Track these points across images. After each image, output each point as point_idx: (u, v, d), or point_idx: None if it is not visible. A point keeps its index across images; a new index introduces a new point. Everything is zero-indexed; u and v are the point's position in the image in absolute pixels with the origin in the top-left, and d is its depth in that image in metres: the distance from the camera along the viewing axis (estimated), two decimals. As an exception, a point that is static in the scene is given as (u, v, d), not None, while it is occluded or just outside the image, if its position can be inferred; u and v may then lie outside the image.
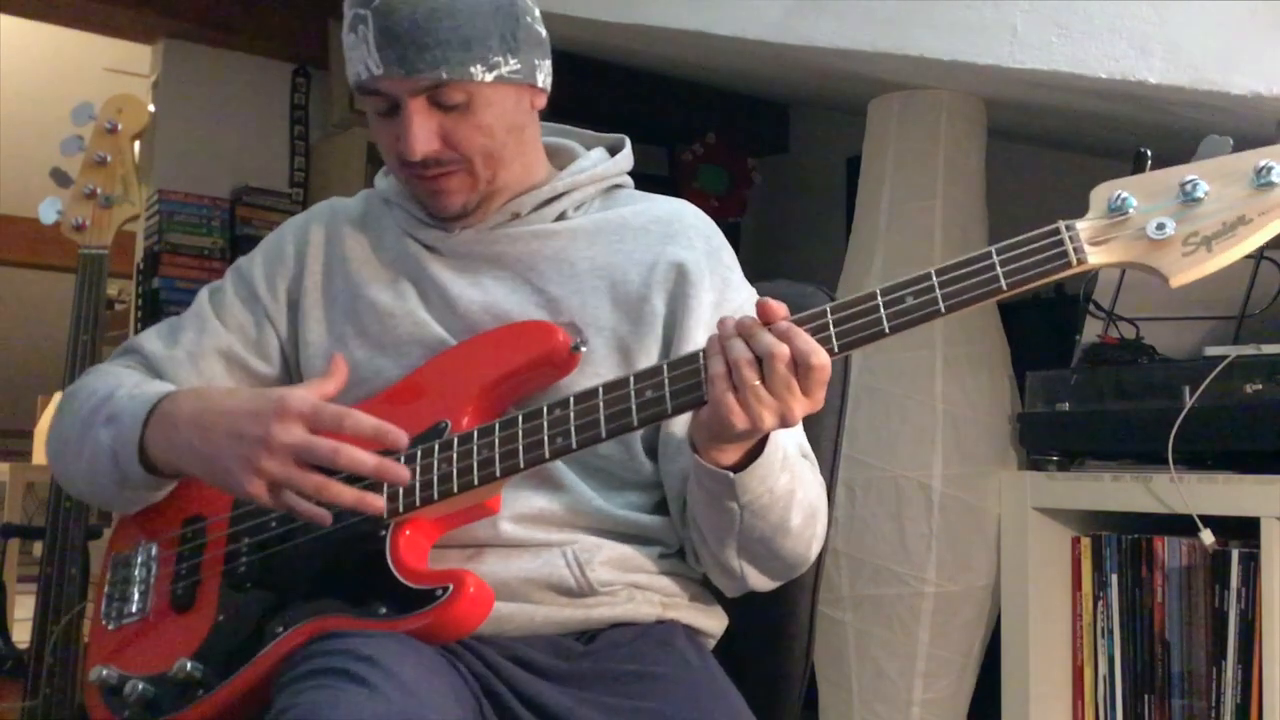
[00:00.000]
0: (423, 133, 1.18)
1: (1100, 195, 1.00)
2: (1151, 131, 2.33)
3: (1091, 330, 2.18)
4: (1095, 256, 0.99)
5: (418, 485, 1.11)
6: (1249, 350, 1.91)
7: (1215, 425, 1.91)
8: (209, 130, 3.31)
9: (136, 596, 1.23)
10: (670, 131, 3.72)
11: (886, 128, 2.44)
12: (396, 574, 1.10)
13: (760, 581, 1.22)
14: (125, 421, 1.19)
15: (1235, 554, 1.90)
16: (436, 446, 1.12)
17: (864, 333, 1.02)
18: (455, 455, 1.11)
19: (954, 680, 2.31)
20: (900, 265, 2.37)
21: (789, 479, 1.14)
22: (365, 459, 1.08)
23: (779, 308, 1.04)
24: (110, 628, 1.23)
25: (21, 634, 2.05)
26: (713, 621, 1.29)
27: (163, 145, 3.24)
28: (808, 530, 1.19)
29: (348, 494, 1.08)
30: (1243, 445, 1.91)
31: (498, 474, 1.10)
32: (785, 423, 1.03)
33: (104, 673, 1.18)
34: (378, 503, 1.09)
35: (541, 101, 1.27)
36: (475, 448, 1.11)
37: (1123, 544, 2.07)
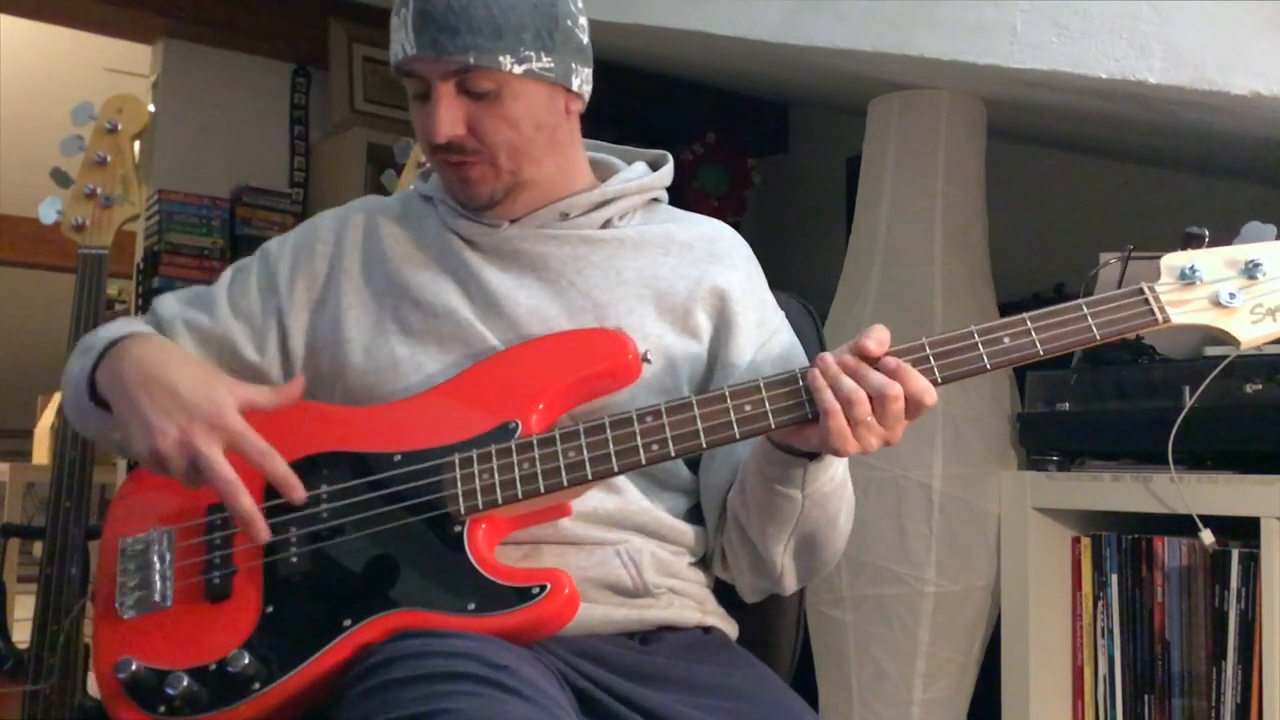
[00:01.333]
0: (448, 117, 1.20)
1: (1172, 264, 1.14)
2: (1151, 131, 2.33)
3: (1091, 330, 2.17)
4: (1177, 317, 1.13)
5: (498, 483, 1.12)
6: (1249, 350, 1.91)
7: (1215, 425, 1.91)
8: (209, 130, 3.30)
9: (158, 584, 1.17)
10: (670, 131, 3.71)
11: (886, 128, 2.44)
12: (481, 570, 1.10)
13: (791, 583, 1.27)
14: (92, 353, 1.25)
15: (1235, 554, 1.90)
16: (514, 447, 1.13)
17: (966, 367, 1.11)
18: (538, 457, 1.12)
19: (954, 680, 2.31)
20: (900, 265, 2.37)
21: (844, 467, 1.21)
22: (243, 507, 1.12)
23: (880, 343, 1.09)
24: (125, 617, 1.17)
25: (21, 634, 2.05)
26: (733, 629, 1.32)
27: (163, 145, 3.24)
28: (847, 527, 1.26)
29: (245, 505, 1.12)
30: (1243, 445, 1.91)
31: (589, 477, 1.12)
32: (887, 444, 1.10)
33: (133, 667, 1.11)
34: (262, 534, 1.13)
35: (577, 107, 1.29)
36: (560, 451, 1.12)
37: (1123, 544, 2.07)
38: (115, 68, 4.14)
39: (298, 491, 1.14)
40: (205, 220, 3.25)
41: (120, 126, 2.08)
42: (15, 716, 1.97)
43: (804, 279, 2.82)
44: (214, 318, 1.32)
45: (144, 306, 3.21)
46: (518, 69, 1.19)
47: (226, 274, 1.37)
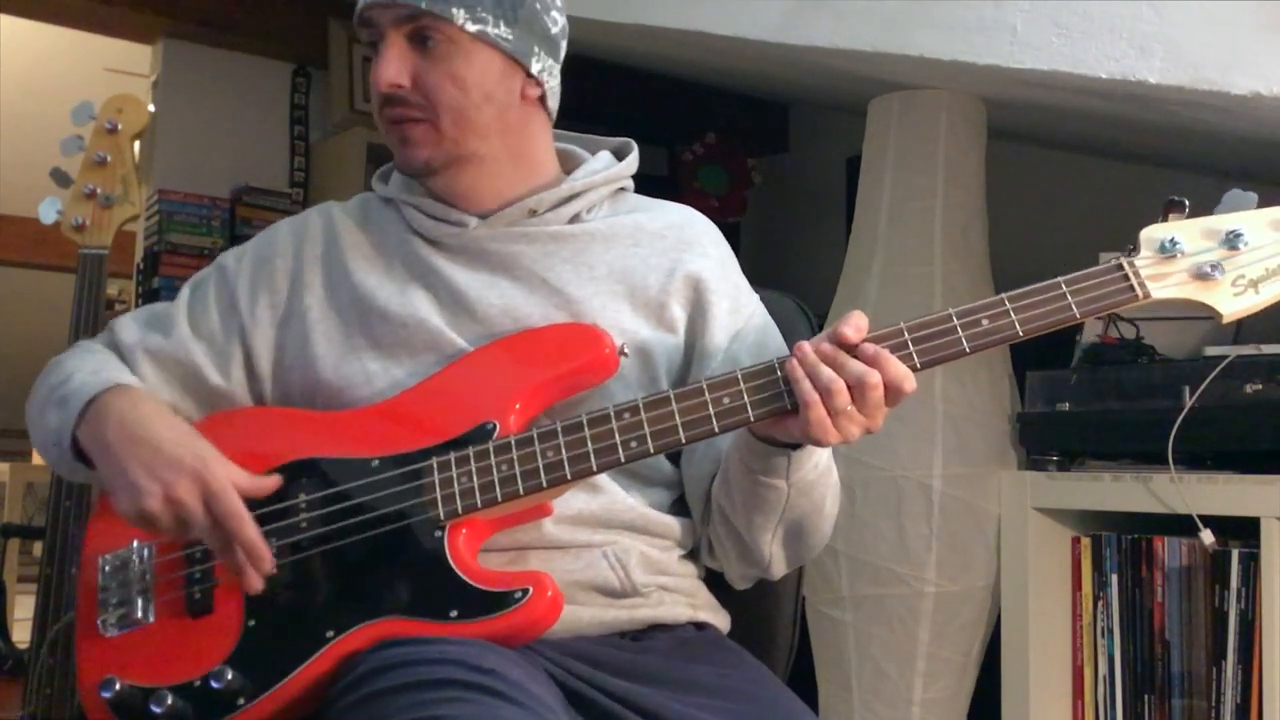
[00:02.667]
0: (394, 64, 1.19)
1: (1152, 236, 1.11)
2: (1151, 131, 2.32)
3: (1091, 330, 2.18)
4: (1158, 291, 1.10)
5: (477, 487, 1.11)
6: (1249, 350, 1.91)
7: (1215, 425, 1.91)
8: (209, 130, 3.30)
9: (140, 602, 1.16)
10: (670, 131, 3.71)
11: (886, 128, 2.44)
12: (463, 576, 1.09)
13: (780, 569, 1.26)
14: (70, 407, 1.20)
15: (1235, 554, 1.90)
16: (492, 449, 1.12)
17: (945, 351, 1.09)
18: (516, 458, 1.11)
19: (954, 680, 2.31)
20: (900, 265, 2.37)
21: (828, 454, 1.19)
22: (239, 561, 1.11)
23: (858, 330, 1.08)
24: (108, 635, 1.16)
25: (21, 634, 2.05)
26: (725, 622, 1.31)
27: (163, 145, 3.24)
28: (833, 513, 1.24)
29: (239, 557, 1.11)
30: (1243, 445, 1.91)
31: (569, 477, 1.11)
32: (869, 432, 1.08)
33: (117, 686, 1.11)
34: (255, 583, 1.11)
35: (534, 93, 1.27)
36: (538, 451, 1.11)
37: (1123, 544, 2.07)
38: (115, 68, 4.13)
39: (266, 563, 1.12)
40: (205, 220, 3.25)
41: (120, 126, 2.08)
42: (15, 716, 1.97)
43: (804, 279, 2.82)
44: (173, 341, 1.28)
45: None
46: (471, 27, 1.19)
47: (185, 291, 1.33)
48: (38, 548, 2.06)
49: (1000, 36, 1.97)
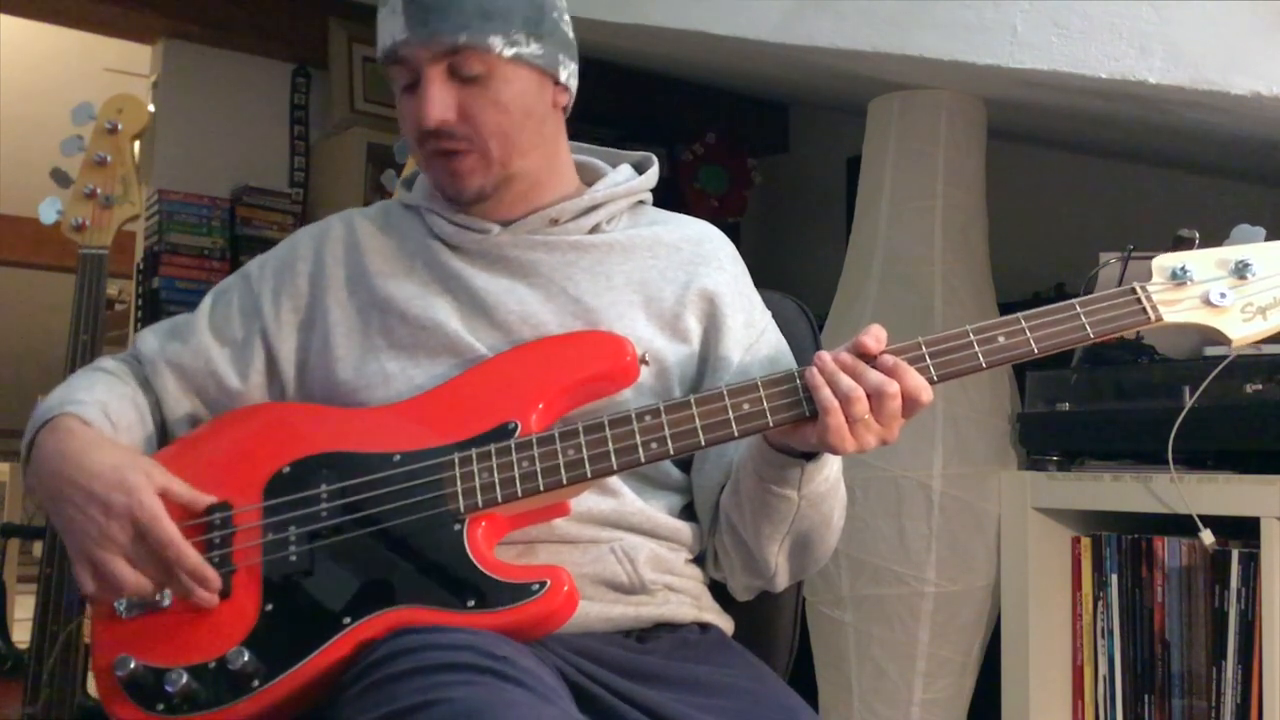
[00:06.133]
0: (440, 100, 1.20)
1: (1163, 264, 1.17)
2: (1151, 131, 2.33)
3: (1091, 330, 2.17)
4: (1169, 316, 1.15)
5: (498, 482, 1.13)
6: (1249, 350, 1.91)
7: (1215, 425, 1.91)
8: (209, 130, 3.30)
9: None
10: (670, 131, 3.71)
11: (886, 128, 2.44)
12: (480, 567, 1.10)
13: (783, 581, 1.28)
14: (27, 435, 1.23)
15: (1235, 554, 1.90)
16: (514, 446, 1.14)
17: (961, 365, 1.12)
18: (537, 455, 1.13)
19: (954, 680, 2.31)
20: (900, 265, 2.37)
21: (838, 466, 1.22)
22: (187, 586, 1.13)
23: (878, 341, 1.11)
24: (124, 616, 1.16)
25: (21, 634, 2.05)
26: (729, 625, 1.32)
27: (163, 145, 3.24)
28: (839, 526, 1.26)
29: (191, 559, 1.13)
30: (1243, 445, 1.91)
31: (589, 475, 1.13)
32: (884, 443, 1.10)
33: (131, 665, 1.11)
34: (211, 600, 1.13)
35: (564, 100, 1.30)
36: (559, 449, 1.13)
37: (1123, 544, 2.07)
38: (115, 68, 4.14)
39: (214, 583, 1.13)
40: (205, 220, 3.25)
41: (120, 126, 2.08)
42: (15, 716, 1.97)
43: (804, 279, 2.82)
44: (193, 347, 1.31)
45: (144, 306, 3.21)
46: (508, 51, 1.20)
47: (207, 299, 1.36)
48: (38, 548, 2.06)
49: (1000, 36, 1.98)
